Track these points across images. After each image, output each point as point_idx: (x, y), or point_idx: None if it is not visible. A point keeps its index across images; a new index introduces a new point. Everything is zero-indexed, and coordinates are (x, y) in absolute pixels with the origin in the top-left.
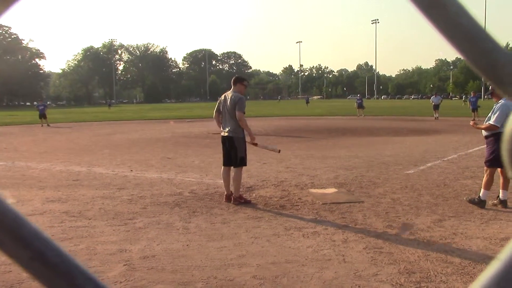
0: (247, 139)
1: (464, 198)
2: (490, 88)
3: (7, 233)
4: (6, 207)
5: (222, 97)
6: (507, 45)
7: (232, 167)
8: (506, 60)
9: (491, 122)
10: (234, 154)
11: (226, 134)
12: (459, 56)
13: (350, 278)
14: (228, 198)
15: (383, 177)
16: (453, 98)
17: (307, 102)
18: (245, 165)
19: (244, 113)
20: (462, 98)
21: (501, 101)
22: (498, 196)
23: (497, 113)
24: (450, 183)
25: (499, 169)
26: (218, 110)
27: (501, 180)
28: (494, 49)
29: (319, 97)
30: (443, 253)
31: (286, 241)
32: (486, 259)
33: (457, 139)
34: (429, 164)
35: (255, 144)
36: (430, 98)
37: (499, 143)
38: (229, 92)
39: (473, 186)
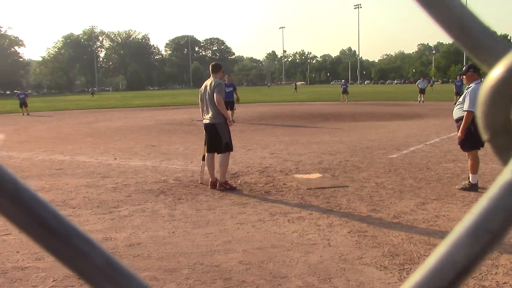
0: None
1: (456, 187)
2: (464, 68)
3: (7, 196)
4: (5, 172)
5: (203, 86)
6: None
7: (216, 154)
8: (476, 24)
9: (465, 108)
10: (218, 140)
11: (208, 121)
12: (440, 40)
13: (335, 261)
14: (213, 185)
15: (367, 161)
16: (435, 83)
17: (295, 88)
18: (231, 150)
19: (223, 97)
20: (430, 82)
21: (472, 85)
22: (468, 179)
23: (468, 98)
24: (433, 167)
25: (466, 153)
26: (201, 100)
27: (469, 163)
28: (462, 11)
29: (302, 83)
30: (426, 236)
31: (272, 226)
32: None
33: (439, 123)
34: (412, 148)
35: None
36: (413, 83)
37: (474, 126)
38: (209, 80)
39: (455, 169)
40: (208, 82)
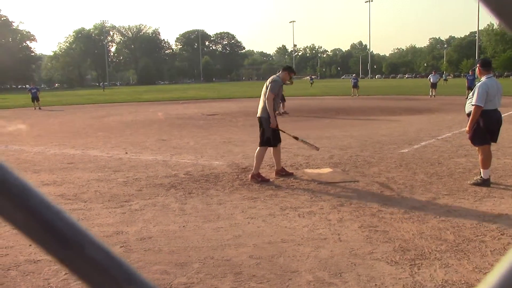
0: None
1: (468, 182)
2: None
3: (15, 203)
4: (13, 177)
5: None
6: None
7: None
8: None
9: (473, 103)
10: (261, 133)
11: (258, 114)
12: (452, 34)
13: (346, 256)
14: (277, 172)
15: (378, 156)
16: (447, 77)
17: (312, 82)
18: (270, 145)
19: (275, 95)
20: (443, 76)
21: (483, 79)
22: (481, 175)
23: (476, 92)
24: (444, 162)
25: (476, 147)
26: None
27: (480, 158)
28: None
29: (314, 76)
30: (437, 231)
31: (282, 221)
32: (480, 236)
33: (451, 117)
34: (423, 143)
35: (296, 138)
36: (425, 77)
37: (482, 120)
38: (275, 75)
39: (466, 164)
40: (272, 77)
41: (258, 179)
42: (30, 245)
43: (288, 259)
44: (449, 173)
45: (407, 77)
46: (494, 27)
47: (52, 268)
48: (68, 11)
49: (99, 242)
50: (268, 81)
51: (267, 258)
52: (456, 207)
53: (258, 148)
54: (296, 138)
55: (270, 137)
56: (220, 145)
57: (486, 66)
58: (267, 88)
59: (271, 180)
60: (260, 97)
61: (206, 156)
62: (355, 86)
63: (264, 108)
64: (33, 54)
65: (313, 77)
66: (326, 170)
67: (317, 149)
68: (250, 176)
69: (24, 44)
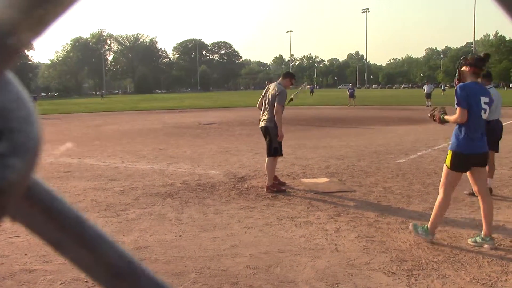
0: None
1: (465, 193)
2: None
3: (69, 235)
4: (68, 208)
5: (267, 87)
6: (497, 33)
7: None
8: None
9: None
10: (268, 143)
11: (262, 124)
12: (449, 44)
13: (343, 266)
14: (268, 188)
15: (375, 166)
16: (445, 87)
17: (312, 91)
18: (280, 155)
19: (283, 106)
20: (441, 87)
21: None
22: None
23: None
24: (441, 172)
25: None
26: (262, 99)
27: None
28: None
29: (309, 86)
30: (434, 241)
31: (279, 230)
32: (476, 246)
33: (447, 127)
34: (420, 153)
35: (291, 99)
36: (421, 87)
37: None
38: (274, 83)
39: (463, 174)
40: (273, 85)
41: (273, 189)
42: (26, 254)
43: (285, 269)
44: None
45: (403, 87)
46: (490, 38)
47: (47, 278)
48: (66, 19)
49: (153, 276)
50: (270, 89)
51: (264, 268)
52: (453, 218)
53: (267, 159)
54: (291, 99)
55: (277, 146)
56: (217, 154)
57: (487, 77)
58: (272, 98)
59: (286, 188)
60: (260, 103)
61: (203, 165)
62: (352, 96)
63: (270, 118)
64: (30, 62)
65: (312, 86)
66: (323, 179)
67: (305, 87)
68: (266, 188)
69: (22, 52)
